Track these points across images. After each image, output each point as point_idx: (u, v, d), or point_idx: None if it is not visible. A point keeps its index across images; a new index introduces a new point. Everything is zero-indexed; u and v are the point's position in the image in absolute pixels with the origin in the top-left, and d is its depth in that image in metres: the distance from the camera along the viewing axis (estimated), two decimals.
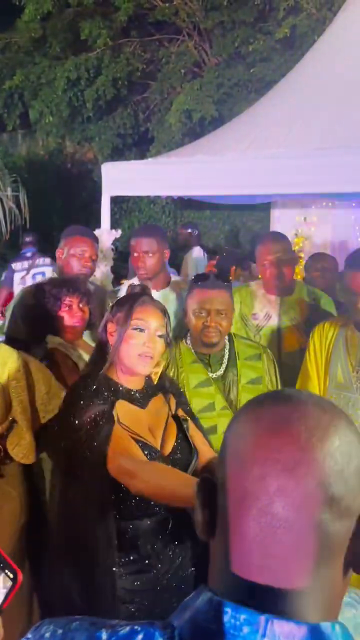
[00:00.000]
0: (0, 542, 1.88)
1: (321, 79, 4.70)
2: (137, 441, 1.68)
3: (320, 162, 3.82)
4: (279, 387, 2.26)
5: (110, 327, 1.77)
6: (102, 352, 1.81)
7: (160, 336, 1.75)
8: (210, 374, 2.21)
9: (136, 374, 1.76)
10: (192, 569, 1.76)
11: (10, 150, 11.52)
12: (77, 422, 1.67)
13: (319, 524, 0.59)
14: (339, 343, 2.25)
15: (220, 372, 2.22)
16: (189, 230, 6.36)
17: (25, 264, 5.88)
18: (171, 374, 2.19)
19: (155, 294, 2.92)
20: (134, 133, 9.72)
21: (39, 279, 5.65)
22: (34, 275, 5.74)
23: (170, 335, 1.84)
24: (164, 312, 1.80)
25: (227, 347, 2.25)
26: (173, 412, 1.83)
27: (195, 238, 6.31)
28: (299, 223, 6.24)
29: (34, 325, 2.36)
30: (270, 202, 6.56)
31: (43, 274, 5.67)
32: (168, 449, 1.75)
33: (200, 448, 1.82)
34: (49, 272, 5.57)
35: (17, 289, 5.61)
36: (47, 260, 5.93)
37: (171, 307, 2.86)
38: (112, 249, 5.05)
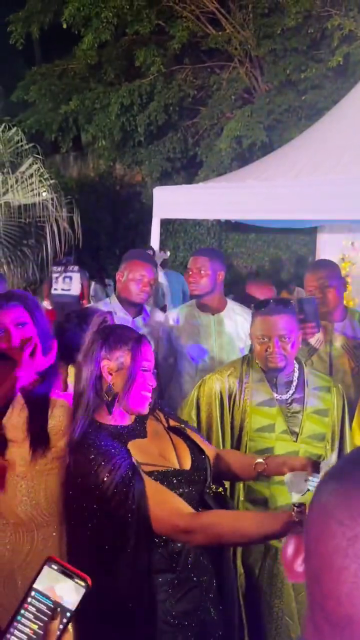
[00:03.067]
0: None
1: None
2: (161, 472, 1.64)
3: None
4: (346, 424, 2.25)
5: (110, 365, 1.65)
6: (97, 390, 1.67)
7: (154, 372, 1.72)
8: (276, 395, 2.20)
9: (136, 413, 1.71)
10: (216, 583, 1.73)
11: (62, 172, 11.91)
12: (98, 482, 1.54)
13: None
14: None
15: (286, 395, 2.20)
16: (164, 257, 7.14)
17: (60, 268, 7.36)
18: (234, 388, 2.21)
19: (203, 317, 3.05)
20: (183, 157, 9.91)
21: (67, 281, 7.35)
22: (64, 278, 7.45)
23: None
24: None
25: (297, 373, 2.23)
26: (167, 425, 1.80)
27: (163, 263, 6.95)
28: (345, 247, 6.23)
29: None
30: (317, 226, 6.58)
31: (70, 278, 7.45)
32: (188, 463, 1.72)
33: (204, 449, 1.78)
34: (76, 278, 7.43)
35: (53, 285, 7.47)
36: (76, 267, 7.47)
37: (231, 330, 3.02)
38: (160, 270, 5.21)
